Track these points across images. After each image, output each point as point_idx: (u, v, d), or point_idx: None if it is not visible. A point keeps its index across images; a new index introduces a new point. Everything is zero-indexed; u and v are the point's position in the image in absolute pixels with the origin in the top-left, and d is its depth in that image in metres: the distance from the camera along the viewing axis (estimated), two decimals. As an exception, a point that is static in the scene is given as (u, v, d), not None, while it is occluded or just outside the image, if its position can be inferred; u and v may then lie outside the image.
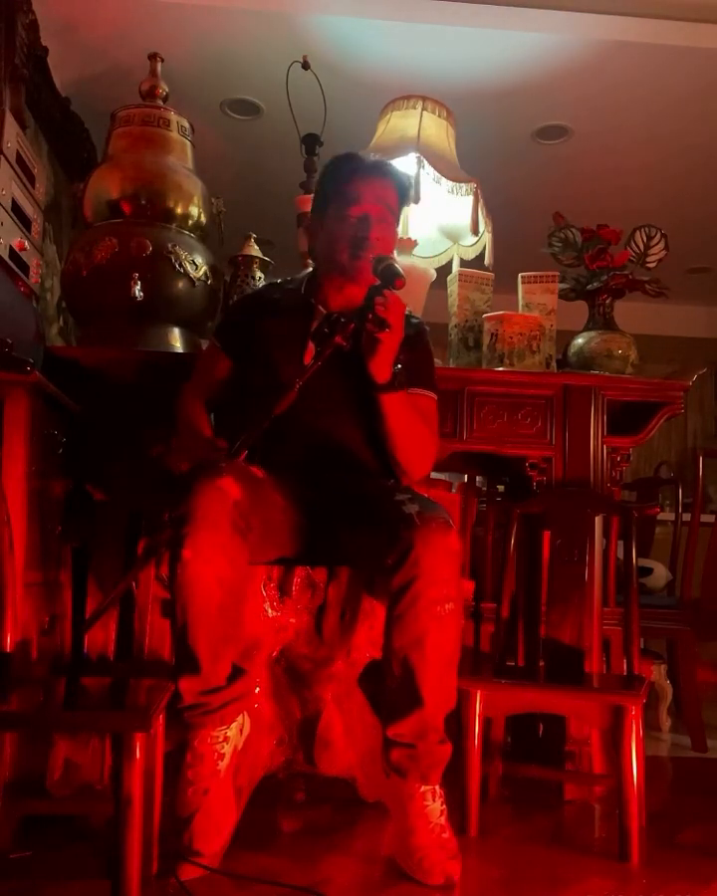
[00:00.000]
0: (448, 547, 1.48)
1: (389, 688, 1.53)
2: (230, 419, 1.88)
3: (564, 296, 2.49)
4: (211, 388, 1.94)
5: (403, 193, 1.88)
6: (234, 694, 1.50)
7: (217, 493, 1.44)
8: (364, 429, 1.79)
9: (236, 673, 1.52)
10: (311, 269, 1.97)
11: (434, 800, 1.52)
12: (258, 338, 1.85)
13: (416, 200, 2.31)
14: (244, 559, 1.48)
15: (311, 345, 1.79)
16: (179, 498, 1.45)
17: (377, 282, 1.67)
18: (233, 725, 1.51)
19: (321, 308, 1.85)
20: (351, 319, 1.63)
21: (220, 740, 1.49)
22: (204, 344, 2.47)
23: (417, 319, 1.90)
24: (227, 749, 1.50)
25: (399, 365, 1.71)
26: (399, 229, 1.94)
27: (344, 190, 1.80)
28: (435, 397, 1.88)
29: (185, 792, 1.47)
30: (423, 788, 1.52)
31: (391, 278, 1.64)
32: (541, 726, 2.15)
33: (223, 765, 1.49)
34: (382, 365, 1.67)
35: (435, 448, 1.84)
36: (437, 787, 1.54)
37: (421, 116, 2.46)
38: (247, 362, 1.87)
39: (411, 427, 1.75)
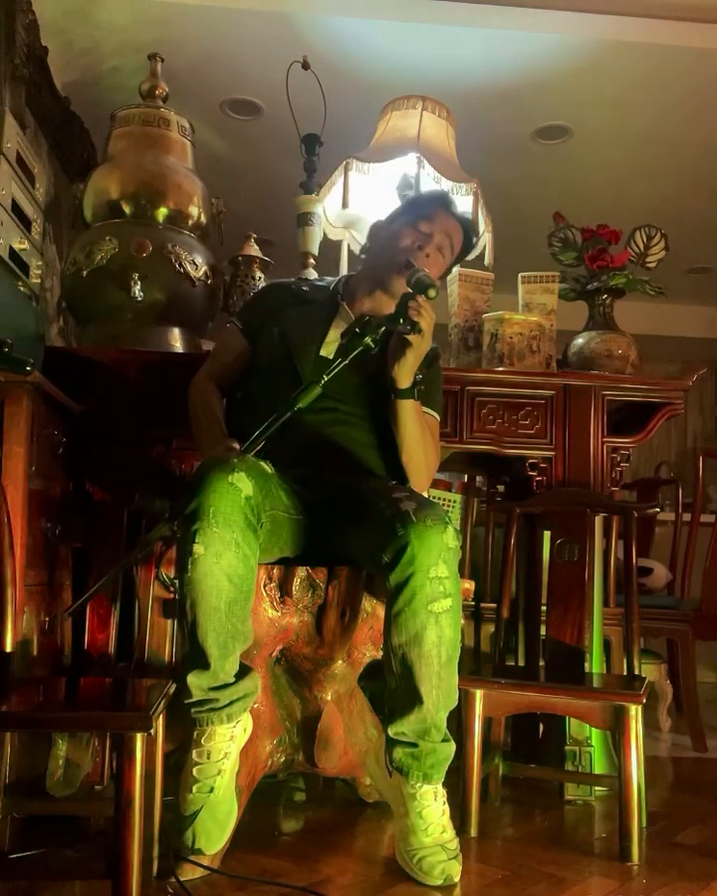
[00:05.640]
0: (444, 543, 1.48)
1: (390, 687, 1.53)
2: (241, 414, 1.88)
3: (564, 296, 2.49)
4: (226, 371, 1.94)
5: (466, 249, 1.97)
6: (242, 692, 1.50)
7: (230, 488, 1.44)
8: (371, 433, 1.81)
9: (244, 671, 1.52)
10: (345, 274, 2.04)
11: (436, 800, 1.52)
12: (277, 323, 1.87)
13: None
14: (255, 555, 1.48)
15: (328, 338, 1.83)
16: (189, 492, 1.45)
17: (409, 291, 1.70)
18: (238, 723, 1.51)
19: (345, 307, 1.89)
20: (382, 321, 1.65)
21: (226, 738, 1.49)
22: (204, 345, 2.48)
23: (433, 343, 1.92)
24: (233, 747, 1.50)
25: (420, 376, 1.73)
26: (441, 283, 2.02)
27: (422, 209, 1.90)
28: (438, 418, 1.93)
29: (190, 790, 1.47)
30: (425, 788, 1.52)
31: (424, 288, 1.67)
32: (541, 726, 2.15)
33: (228, 764, 1.49)
34: (407, 370, 1.70)
35: (436, 465, 1.88)
36: (439, 787, 1.54)
37: (421, 116, 2.46)
38: (262, 348, 1.89)
39: (421, 438, 1.78)
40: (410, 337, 1.66)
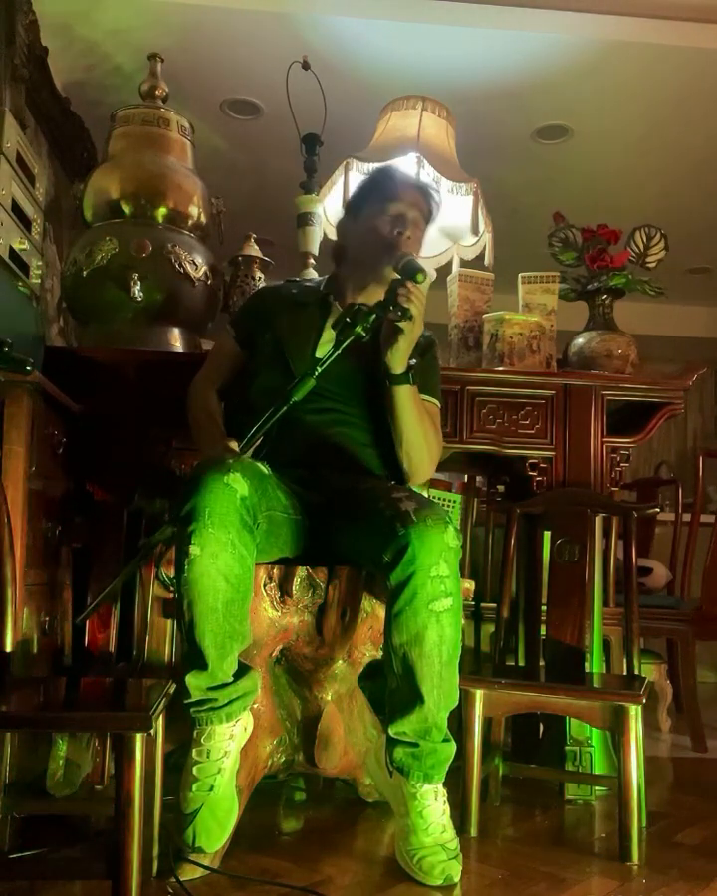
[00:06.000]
0: (445, 543, 1.48)
1: (391, 686, 1.53)
2: (238, 411, 1.88)
3: (564, 296, 2.49)
4: (223, 378, 1.95)
5: (432, 213, 1.94)
6: (241, 691, 1.50)
7: (225, 489, 1.44)
8: (369, 431, 1.81)
9: (243, 670, 1.52)
10: (332, 271, 1.99)
11: (437, 800, 1.52)
12: (271, 329, 1.87)
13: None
14: (251, 555, 1.48)
15: (323, 340, 1.81)
16: (185, 493, 1.45)
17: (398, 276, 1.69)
18: (238, 722, 1.51)
19: (337, 305, 1.87)
20: (373, 309, 1.64)
21: (226, 737, 1.49)
22: (204, 344, 2.48)
23: (428, 332, 1.91)
24: (233, 746, 1.51)
25: (414, 361, 1.72)
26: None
27: (384, 191, 1.87)
28: (439, 405, 1.92)
29: (190, 789, 1.47)
30: (426, 788, 1.51)
31: (413, 272, 1.66)
32: (541, 726, 2.15)
33: (228, 762, 1.49)
34: (400, 357, 1.70)
35: (439, 452, 1.86)
36: (440, 787, 1.54)
37: (421, 116, 2.46)
38: (257, 354, 1.89)
39: (420, 424, 1.77)
40: (402, 324, 1.66)
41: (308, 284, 2.02)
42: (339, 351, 1.60)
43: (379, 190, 1.88)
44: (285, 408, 1.56)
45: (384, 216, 1.83)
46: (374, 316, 1.63)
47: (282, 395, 1.56)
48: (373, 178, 1.97)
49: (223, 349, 1.99)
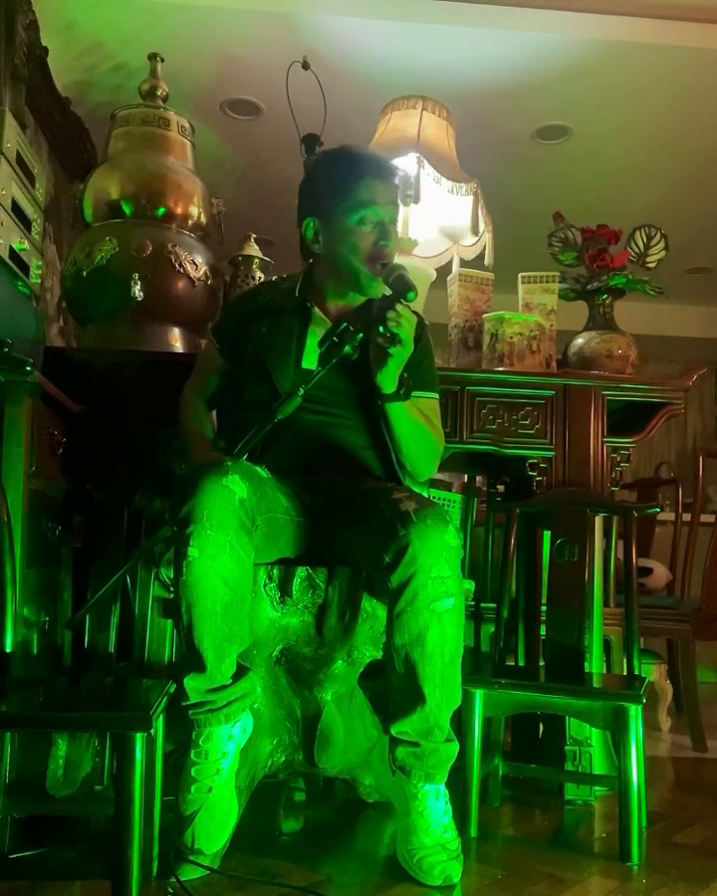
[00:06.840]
0: (445, 542, 1.48)
1: (393, 685, 1.53)
2: (230, 424, 1.88)
3: (564, 296, 2.49)
4: (212, 388, 1.94)
5: (401, 192, 1.88)
6: (239, 692, 1.50)
7: (223, 491, 1.44)
8: (366, 433, 1.79)
9: (241, 672, 1.52)
10: (305, 269, 1.91)
11: (438, 800, 1.52)
12: (251, 342, 1.83)
13: (416, 200, 2.33)
14: (249, 557, 1.48)
15: (305, 349, 1.78)
16: (183, 496, 1.45)
17: (387, 293, 1.67)
18: (237, 723, 1.51)
19: (318, 311, 1.83)
20: (361, 328, 1.61)
21: (225, 738, 1.49)
22: (204, 344, 2.47)
23: (417, 314, 1.89)
24: (231, 748, 1.51)
25: (406, 374, 1.70)
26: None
27: (355, 192, 1.73)
28: (437, 397, 1.89)
29: (189, 790, 1.47)
30: (427, 788, 1.52)
31: (404, 290, 1.63)
32: (541, 726, 2.15)
33: (227, 763, 1.50)
34: (390, 378, 1.67)
35: (440, 448, 1.85)
36: (442, 787, 1.54)
37: (421, 116, 2.47)
38: (241, 366, 1.87)
39: (417, 431, 1.76)
40: (391, 349, 1.63)
41: (284, 284, 1.92)
42: (324, 370, 1.60)
43: (349, 195, 1.73)
44: (269, 427, 1.55)
45: (362, 229, 1.73)
46: (362, 335, 1.61)
47: (267, 411, 1.56)
48: (336, 170, 1.77)
49: (209, 360, 1.95)
